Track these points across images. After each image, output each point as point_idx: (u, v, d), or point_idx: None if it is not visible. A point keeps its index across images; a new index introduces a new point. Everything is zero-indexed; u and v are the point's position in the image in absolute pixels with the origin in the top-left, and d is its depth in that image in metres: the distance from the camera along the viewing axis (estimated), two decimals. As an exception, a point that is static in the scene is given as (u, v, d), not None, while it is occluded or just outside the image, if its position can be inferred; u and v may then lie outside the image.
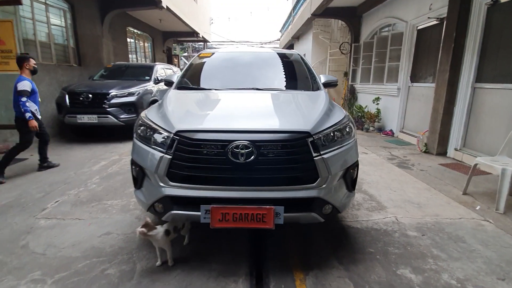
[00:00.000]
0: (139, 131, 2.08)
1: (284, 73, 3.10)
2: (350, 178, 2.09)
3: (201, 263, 2.05)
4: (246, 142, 1.73)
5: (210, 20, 17.70)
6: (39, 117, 4.07)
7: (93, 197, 3.21)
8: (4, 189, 3.43)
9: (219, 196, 1.81)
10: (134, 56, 11.45)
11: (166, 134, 1.87)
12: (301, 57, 3.40)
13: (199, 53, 3.60)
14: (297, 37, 13.60)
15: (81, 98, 5.59)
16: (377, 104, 7.32)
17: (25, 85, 3.77)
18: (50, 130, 6.19)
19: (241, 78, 2.97)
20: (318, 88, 2.81)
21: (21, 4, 4.90)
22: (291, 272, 1.96)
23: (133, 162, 2.08)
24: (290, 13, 13.93)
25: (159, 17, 10.82)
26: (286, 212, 1.80)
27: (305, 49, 12.07)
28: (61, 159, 4.71)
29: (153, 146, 1.92)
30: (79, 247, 2.26)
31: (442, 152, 4.93)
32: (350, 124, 2.13)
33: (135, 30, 11.35)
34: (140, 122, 2.11)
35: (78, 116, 5.61)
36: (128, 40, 10.81)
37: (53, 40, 6.51)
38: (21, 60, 3.90)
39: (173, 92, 2.61)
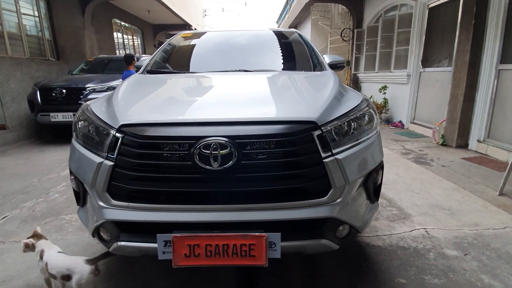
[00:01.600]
0: (78, 127, 1.49)
1: (280, 53, 2.49)
2: (373, 184, 1.51)
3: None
4: (221, 139, 1.14)
5: (204, 12, 16.96)
6: None
7: (51, 210, 2.63)
8: None
9: (184, 221, 1.22)
10: (122, 50, 10.79)
11: (108, 130, 1.28)
12: (301, 36, 2.78)
13: (178, 33, 2.99)
14: (295, 26, 12.90)
15: (53, 94, 4.98)
16: (384, 93, 6.71)
17: None
18: (24, 131, 5.60)
19: (226, 59, 2.36)
20: (323, 69, 2.21)
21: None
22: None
23: (70, 171, 1.49)
24: (287, 2, 13.23)
25: (147, 7, 10.14)
26: (284, 240, 1.22)
27: (304, 39, 11.44)
28: (29, 163, 4.13)
29: (91, 149, 1.33)
30: (9, 285, 1.68)
31: (463, 144, 4.34)
32: (371, 110, 1.54)
33: (122, 23, 10.67)
34: (79, 115, 1.51)
35: (52, 114, 5.01)
36: (115, 33, 10.15)
37: (24, 31, 5.87)
38: (130, 58, 5.03)
39: (135, 77, 2.00)
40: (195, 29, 14.14)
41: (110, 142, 1.24)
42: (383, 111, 6.80)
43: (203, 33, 2.90)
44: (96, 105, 1.53)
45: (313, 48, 2.54)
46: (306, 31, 10.67)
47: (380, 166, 1.53)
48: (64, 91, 5.00)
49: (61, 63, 6.88)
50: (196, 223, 1.22)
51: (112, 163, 1.22)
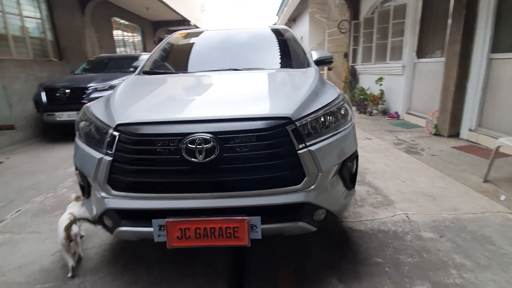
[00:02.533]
0: (80, 127, 1.66)
1: (268, 51, 2.62)
2: (348, 173, 1.66)
3: None
4: (205, 135, 1.30)
5: (202, 7, 16.94)
6: None
7: (60, 204, 2.83)
8: (-37, 199, 3.07)
9: (176, 207, 1.39)
10: (123, 48, 10.93)
11: (106, 129, 1.44)
12: (289, 33, 2.90)
13: (173, 34, 3.12)
14: (294, 19, 12.89)
15: (58, 94, 5.17)
16: (380, 84, 6.78)
17: None
18: (31, 130, 5.82)
19: (218, 58, 2.50)
20: (307, 65, 2.34)
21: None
22: (278, 296, 1.56)
23: (76, 167, 1.67)
24: (285, -6, 13.18)
25: (145, 4, 10.22)
26: (264, 223, 1.38)
27: (302, 32, 11.41)
28: (37, 161, 4.34)
29: (92, 146, 1.50)
30: (26, 269, 1.88)
31: (455, 134, 4.44)
32: (346, 105, 1.68)
33: (122, 21, 10.78)
34: (81, 116, 1.68)
35: (57, 113, 5.21)
36: (115, 31, 10.28)
37: (27, 33, 6.04)
38: None
39: (131, 78, 2.16)
40: (194, 25, 14.19)
41: (108, 140, 1.41)
42: (379, 103, 6.88)
43: (195, 33, 3.03)
44: (95, 106, 1.69)
45: (299, 45, 2.66)
46: (304, 24, 10.68)
47: (354, 156, 1.67)
48: (67, 91, 5.19)
49: (63, 63, 7.05)
50: (186, 209, 1.39)
51: (111, 158, 1.39)
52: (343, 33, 8.98)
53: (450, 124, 4.41)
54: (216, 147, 1.30)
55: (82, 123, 1.63)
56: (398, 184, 2.91)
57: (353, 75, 8.59)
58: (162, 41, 2.94)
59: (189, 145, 1.29)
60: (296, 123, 1.39)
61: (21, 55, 5.86)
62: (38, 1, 6.38)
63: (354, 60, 8.54)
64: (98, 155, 1.43)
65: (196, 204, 1.38)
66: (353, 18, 8.18)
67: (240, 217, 1.35)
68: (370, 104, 7.06)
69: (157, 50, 2.74)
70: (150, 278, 1.73)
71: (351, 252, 1.89)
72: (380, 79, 6.73)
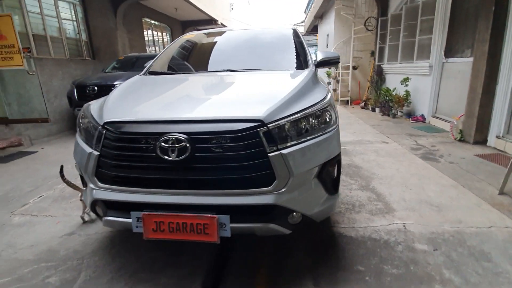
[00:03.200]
0: (79, 123, 1.82)
1: (269, 52, 2.63)
2: (329, 177, 1.64)
3: (151, 275, 1.77)
4: (178, 135, 1.37)
5: (230, 6, 17.18)
6: None
7: (77, 192, 3.09)
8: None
9: (151, 201, 1.48)
10: (153, 48, 11.47)
11: (96, 126, 1.58)
12: (294, 34, 2.88)
13: (183, 35, 3.25)
14: (320, 16, 12.57)
15: (87, 91, 5.60)
16: (406, 85, 6.43)
17: None
18: (65, 123, 6.37)
19: (219, 60, 2.58)
20: (305, 67, 2.32)
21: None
22: (250, 294, 1.60)
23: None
24: (313, -9, 12.91)
25: (174, 5, 10.62)
26: (234, 222, 1.43)
27: (328, 29, 11.11)
28: (67, 152, 4.76)
29: (86, 142, 1.64)
30: (36, 248, 2.11)
31: (481, 141, 4.10)
32: (329, 108, 1.65)
33: (152, 21, 11.31)
34: (81, 113, 1.84)
35: (86, 109, 5.64)
36: (146, 31, 10.81)
37: (64, 34, 6.60)
38: None
39: (132, 79, 2.31)
40: (221, 23, 14.45)
41: (97, 136, 1.54)
42: (404, 104, 6.53)
43: (202, 34, 3.13)
44: (94, 105, 1.84)
45: (302, 46, 2.63)
46: (330, 22, 10.38)
47: (336, 160, 1.65)
48: (96, 88, 5.60)
49: (96, 62, 7.59)
50: (161, 204, 1.47)
51: (98, 153, 1.52)
52: (369, 30, 8.62)
53: (476, 130, 4.08)
54: (187, 147, 1.36)
55: (81, 120, 1.79)
56: (403, 192, 2.78)
57: (379, 75, 8.23)
58: (171, 42, 3.07)
59: (163, 144, 1.37)
60: (268, 126, 1.41)
61: (58, 55, 6.42)
62: (75, 4, 6.93)
63: (380, 59, 8.17)
64: (89, 149, 1.57)
65: (170, 200, 1.46)
66: (381, 15, 7.81)
67: (209, 215, 1.41)
68: (395, 105, 6.72)
69: (164, 51, 2.88)
70: (137, 265, 1.86)
71: (335, 258, 1.86)
72: (406, 79, 6.38)
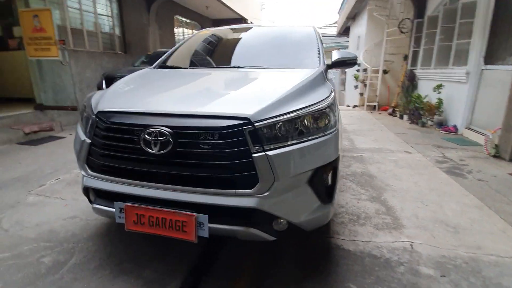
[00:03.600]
0: (83, 112, 1.87)
1: (279, 50, 2.53)
2: (322, 184, 1.52)
3: (135, 267, 1.77)
4: (162, 128, 1.34)
5: (261, 5, 17.18)
6: None
7: (89, 179, 3.24)
8: (25, 164, 3.73)
9: (134, 194, 1.47)
10: (183, 44, 11.78)
11: (91, 115, 1.60)
12: (310, 32, 2.75)
13: (198, 31, 3.27)
14: (353, 17, 12.11)
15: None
16: (439, 92, 5.96)
17: None
18: (93, 113, 6.73)
19: (227, 56, 2.54)
20: (313, 66, 2.19)
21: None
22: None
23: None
24: (347, -9, 12.48)
25: (205, 4, 10.82)
26: (213, 222, 1.37)
27: (360, 31, 10.67)
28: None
29: (82, 130, 1.68)
30: (39, 228, 2.22)
31: (519, 158, 3.67)
32: (327, 110, 1.53)
33: (183, 19, 11.62)
34: (84, 102, 1.89)
35: (112, 100, 5.93)
36: (176, 29, 11.14)
37: (99, 29, 6.98)
38: None
39: (138, 72, 2.34)
40: (251, 22, 14.48)
41: (90, 125, 1.56)
42: (436, 113, 6.06)
43: (216, 31, 3.11)
44: (96, 95, 1.88)
45: (316, 45, 2.50)
46: (362, 23, 9.96)
47: (333, 166, 1.52)
48: (122, 80, 5.86)
49: (127, 56, 7.96)
50: (142, 197, 1.46)
51: (90, 141, 1.54)
52: (403, 32, 8.12)
53: (514, 146, 3.65)
54: (170, 141, 1.33)
55: (82, 109, 1.84)
56: (418, 207, 2.54)
57: (411, 80, 7.72)
58: (188, 37, 3.09)
59: (146, 136, 1.35)
60: (255, 124, 1.33)
61: (93, 48, 6.81)
62: (110, 1, 7.31)
63: (413, 63, 7.68)
64: (83, 137, 1.60)
65: (151, 194, 1.44)
66: (417, 17, 7.32)
67: (188, 212, 1.36)
68: (425, 114, 6.27)
69: (179, 45, 2.90)
70: (125, 254, 1.88)
71: (326, 272, 1.73)
72: (439, 86, 5.92)
